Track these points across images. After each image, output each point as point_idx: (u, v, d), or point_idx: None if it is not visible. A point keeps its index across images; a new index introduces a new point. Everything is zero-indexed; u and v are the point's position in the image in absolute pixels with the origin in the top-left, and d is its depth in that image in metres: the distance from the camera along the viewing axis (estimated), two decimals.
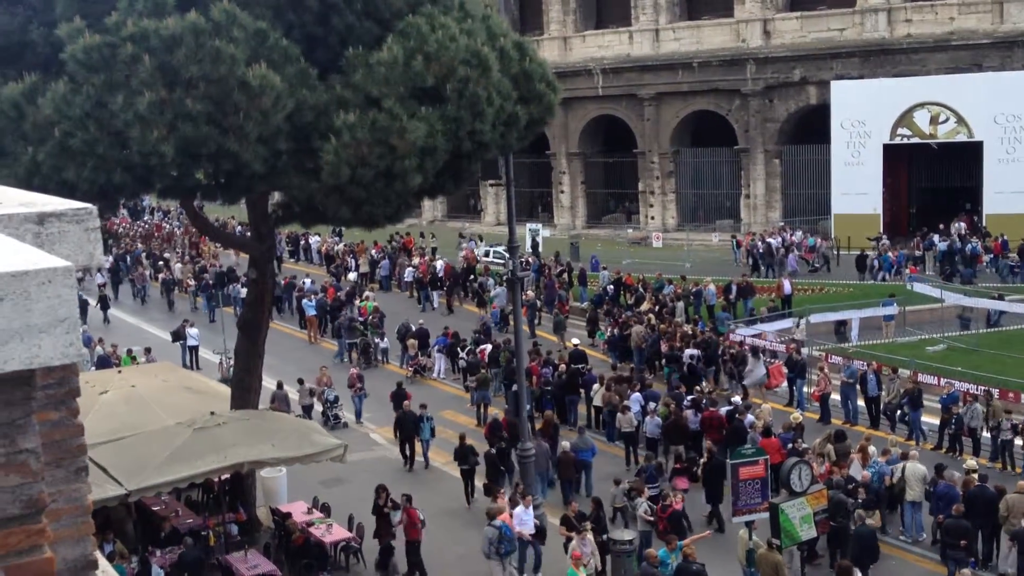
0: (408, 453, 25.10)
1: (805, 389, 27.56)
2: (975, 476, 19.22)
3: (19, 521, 2.62)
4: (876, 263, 40.62)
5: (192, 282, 43.91)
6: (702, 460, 21.92)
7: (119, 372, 23.69)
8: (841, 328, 32.73)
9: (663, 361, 29.75)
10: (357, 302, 38.04)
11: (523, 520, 18.84)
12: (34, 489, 2.61)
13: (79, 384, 3.16)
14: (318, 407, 27.73)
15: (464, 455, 22.70)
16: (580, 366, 28.18)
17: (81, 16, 14.81)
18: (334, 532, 19.92)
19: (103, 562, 3.69)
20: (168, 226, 60.30)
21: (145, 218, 69.56)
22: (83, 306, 41.55)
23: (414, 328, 33.85)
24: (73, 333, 2.31)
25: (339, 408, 27.90)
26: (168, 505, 21.17)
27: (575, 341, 31.22)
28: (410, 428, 24.75)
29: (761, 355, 28.51)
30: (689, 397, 25.25)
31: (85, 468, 3.08)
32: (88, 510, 3.09)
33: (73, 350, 2.33)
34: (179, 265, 47.44)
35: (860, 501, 18.82)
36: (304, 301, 38.10)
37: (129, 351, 31.36)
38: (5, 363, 2.30)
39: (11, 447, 2.59)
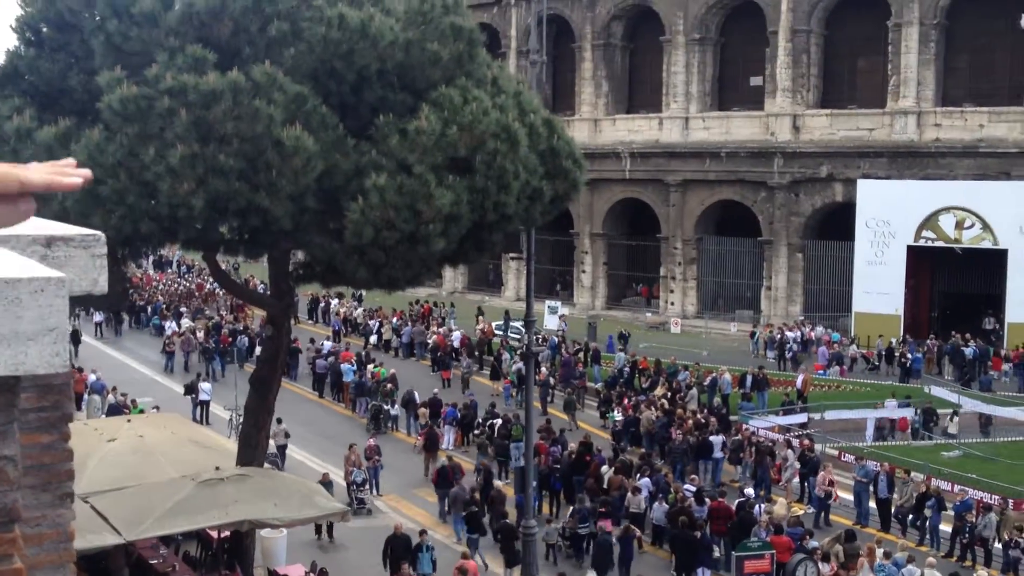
0: None
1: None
2: None
3: None
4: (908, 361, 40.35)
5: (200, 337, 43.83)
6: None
7: (128, 421, 23.65)
8: (879, 423, 32.36)
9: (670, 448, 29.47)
10: (370, 367, 38.00)
11: None
12: (8, 497, 2.59)
13: (72, 410, 3.15)
14: (340, 481, 27.04)
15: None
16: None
17: (121, 67, 15.09)
18: None
19: None
20: (209, 285, 57.37)
21: (170, 271, 70.16)
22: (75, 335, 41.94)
23: (417, 397, 33.73)
24: (61, 343, 2.31)
25: (365, 492, 26.86)
26: (166, 559, 20.95)
27: None
28: (400, 553, 20.97)
29: (794, 450, 28.07)
30: (691, 488, 24.91)
31: (71, 494, 3.05)
32: (71, 537, 3.06)
33: (59, 360, 2.33)
34: (187, 321, 47.48)
35: None
36: (344, 366, 38.02)
37: (134, 402, 31.42)
38: None
39: None
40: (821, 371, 38.81)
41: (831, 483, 25.92)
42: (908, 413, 32.58)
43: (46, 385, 2.95)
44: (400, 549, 20.62)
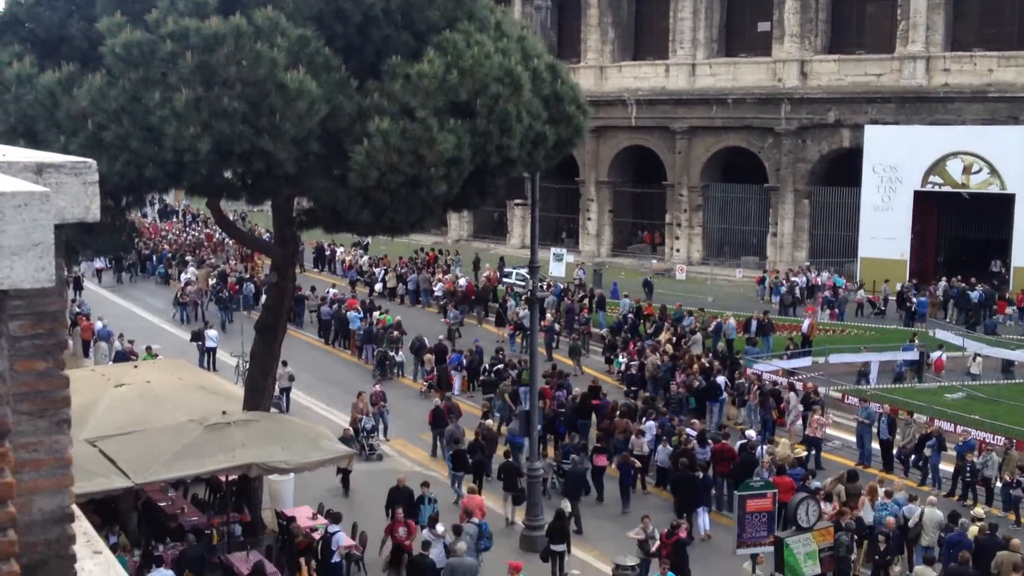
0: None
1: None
2: (983, 525, 19.08)
3: None
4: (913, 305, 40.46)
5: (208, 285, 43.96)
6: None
7: (135, 367, 23.84)
8: (864, 368, 32.46)
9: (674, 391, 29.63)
10: (375, 314, 38.15)
11: None
12: None
13: (67, 337, 3.20)
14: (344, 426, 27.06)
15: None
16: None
17: (121, 12, 15.03)
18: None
19: (105, 551, 3.73)
20: (217, 235, 56.95)
21: (175, 219, 70.23)
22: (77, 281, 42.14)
23: (428, 342, 33.94)
24: (46, 258, 2.34)
25: (375, 438, 26.94)
26: (174, 502, 21.26)
27: None
28: (402, 506, 20.45)
29: (797, 393, 28.24)
30: (693, 431, 25.07)
31: (68, 421, 3.11)
32: (68, 462, 3.12)
33: (44, 275, 2.36)
34: (193, 269, 47.57)
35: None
36: (351, 313, 38.15)
37: (148, 348, 31.58)
38: None
39: None
40: (812, 313, 38.92)
41: (822, 425, 26.13)
42: (913, 356, 32.65)
43: (40, 312, 3.00)
44: (402, 501, 20.46)
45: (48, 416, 3.10)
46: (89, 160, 2.93)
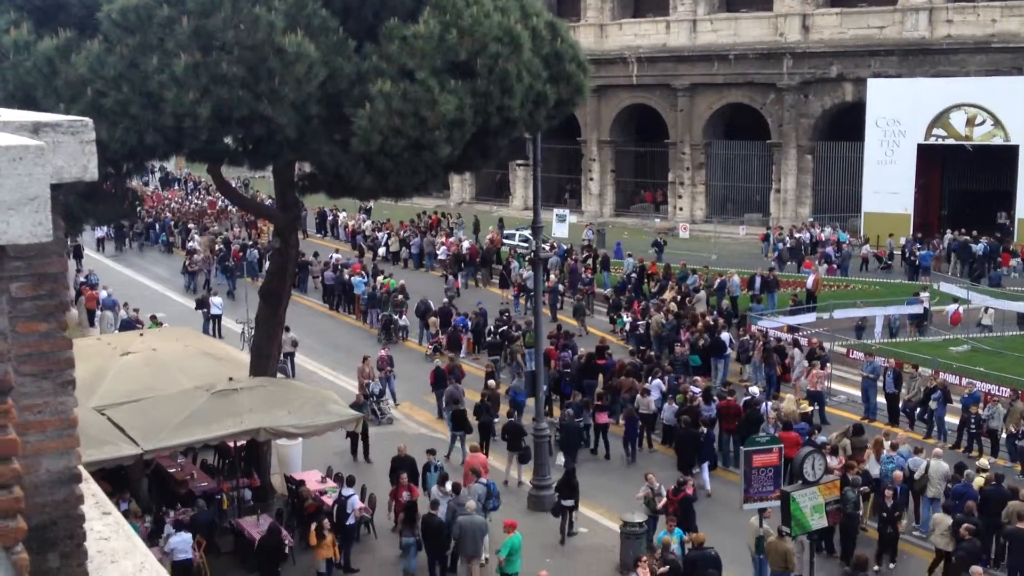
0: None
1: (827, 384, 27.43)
2: (989, 475, 19.16)
3: None
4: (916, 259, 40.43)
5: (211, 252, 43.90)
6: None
7: (141, 336, 23.87)
8: (861, 323, 32.47)
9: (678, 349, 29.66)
10: (379, 279, 38.15)
11: None
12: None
13: (69, 297, 3.18)
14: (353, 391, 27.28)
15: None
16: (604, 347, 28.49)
17: None
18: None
19: (115, 512, 3.75)
20: (221, 203, 56.49)
21: (176, 187, 70.11)
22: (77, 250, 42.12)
23: (432, 306, 33.97)
24: (43, 213, 2.32)
25: (385, 402, 26.99)
26: (184, 468, 21.36)
27: None
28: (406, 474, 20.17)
29: (801, 349, 28.26)
30: (697, 389, 25.12)
31: (72, 382, 3.10)
32: (74, 423, 3.12)
33: (42, 230, 2.34)
34: (198, 236, 47.52)
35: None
36: (355, 278, 38.11)
37: (153, 317, 31.63)
38: None
39: None
40: (808, 269, 38.90)
41: (821, 378, 26.19)
42: (917, 309, 32.65)
43: (41, 274, 2.99)
44: (405, 469, 20.27)
45: (52, 378, 3.10)
46: (86, 119, 2.91)
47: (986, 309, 32.85)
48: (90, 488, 3.63)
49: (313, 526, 17.96)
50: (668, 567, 16.39)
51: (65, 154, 2.85)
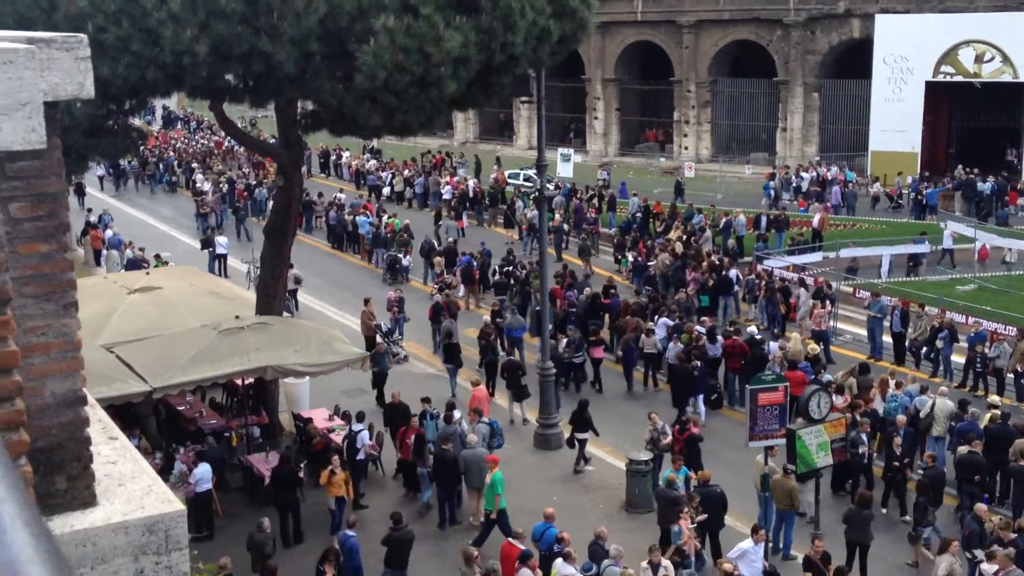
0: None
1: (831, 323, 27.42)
2: (997, 413, 19.16)
3: None
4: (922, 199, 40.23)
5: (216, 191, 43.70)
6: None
7: (147, 274, 23.87)
8: (853, 263, 32.28)
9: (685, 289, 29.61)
10: (384, 218, 38.04)
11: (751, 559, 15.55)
12: None
13: (69, 219, 3.13)
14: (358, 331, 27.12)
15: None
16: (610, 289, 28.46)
17: None
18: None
19: (122, 437, 3.73)
20: (227, 143, 56.14)
21: (179, 126, 69.77)
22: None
23: (437, 245, 33.91)
24: (36, 119, 2.27)
25: (396, 340, 26.92)
26: (193, 406, 21.48)
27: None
28: (398, 421, 20.32)
29: (807, 288, 28.19)
30: (702, 328, 25.10)
31: (75, 304, 3.06)
32: (78, 345, 3.09)
33: (35, 136, 2.29)
34: (201, 176, 47.28)
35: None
36: (359, 218, 38.00)
37: (158, 256, 31.62)
38: None
39: None
40: (803, 208, 38.70)
41: (823, 318, 26.17)
42: (924, 248, 32.55)
43: (40, 194, 2.94)
44: (398, 416, 20.21)
45: (55, 299, 3.06)
46: (80, 35, 2.84)
47: (1010, 248, 32.96)
48: (96, 414, 3.60)
49: (328, 467, 18.05)
50: (706, 516, 16.54)
51: (60, 71, 2.78)
